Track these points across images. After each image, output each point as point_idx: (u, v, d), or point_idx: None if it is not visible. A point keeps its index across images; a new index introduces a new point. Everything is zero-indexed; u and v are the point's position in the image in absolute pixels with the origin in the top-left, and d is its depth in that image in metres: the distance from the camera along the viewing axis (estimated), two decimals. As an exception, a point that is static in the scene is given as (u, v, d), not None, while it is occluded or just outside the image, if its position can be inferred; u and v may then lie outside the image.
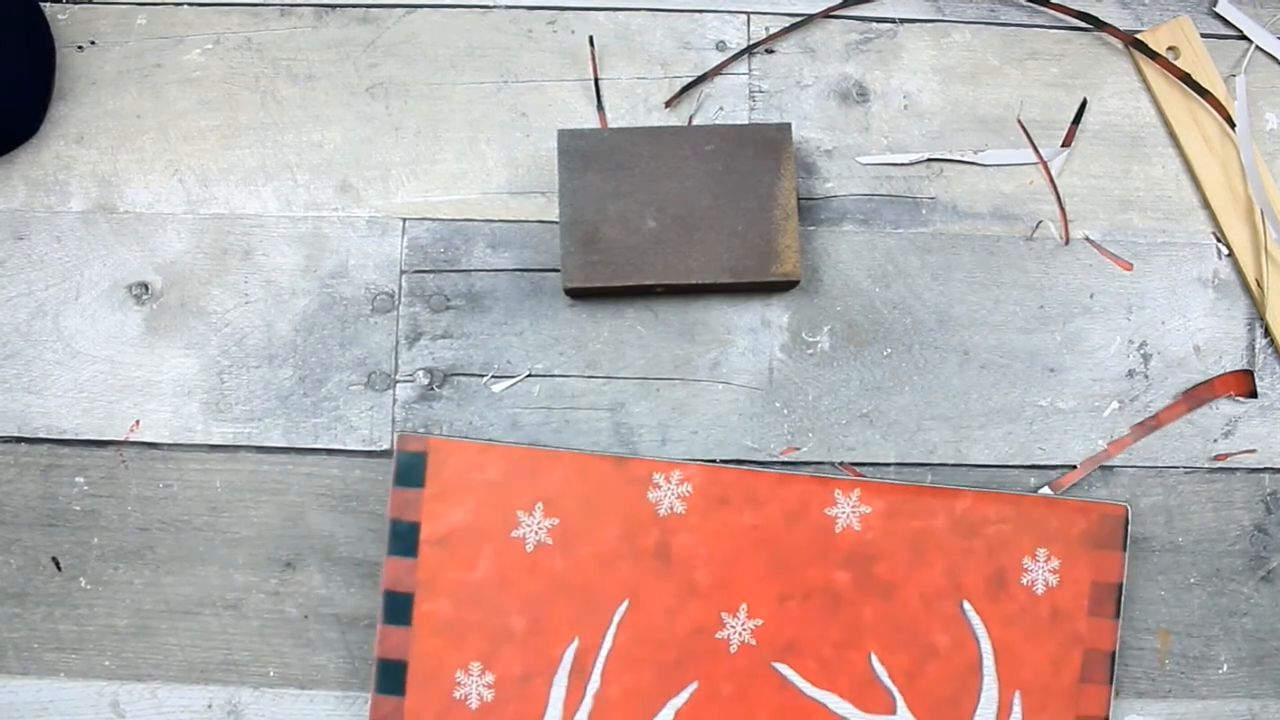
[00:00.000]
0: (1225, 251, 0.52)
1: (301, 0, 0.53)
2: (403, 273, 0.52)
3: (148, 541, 0.50)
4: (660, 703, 0.46)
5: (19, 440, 0.50)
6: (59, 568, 0.49)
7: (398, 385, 0.51)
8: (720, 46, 0.53)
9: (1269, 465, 0.51)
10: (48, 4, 0.53)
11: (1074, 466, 0.51)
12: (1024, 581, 0.48)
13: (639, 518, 0.47)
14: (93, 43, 0.53)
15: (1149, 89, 0.53)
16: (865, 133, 0.53)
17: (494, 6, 0.54)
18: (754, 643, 0.47)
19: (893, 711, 0.47)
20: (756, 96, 0.53)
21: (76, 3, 0.53)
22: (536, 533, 0.47)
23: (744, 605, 0.47)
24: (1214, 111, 0.52)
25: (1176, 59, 0.53)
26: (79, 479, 0.50)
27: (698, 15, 0.54)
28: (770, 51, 0.54)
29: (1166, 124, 0.53)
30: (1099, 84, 0.54)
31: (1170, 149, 0.53)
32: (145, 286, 0.51)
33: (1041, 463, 0.50)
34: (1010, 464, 0.51)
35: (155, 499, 0.50)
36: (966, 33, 0.54)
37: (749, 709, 0.47)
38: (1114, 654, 0.47)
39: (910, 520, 0.48)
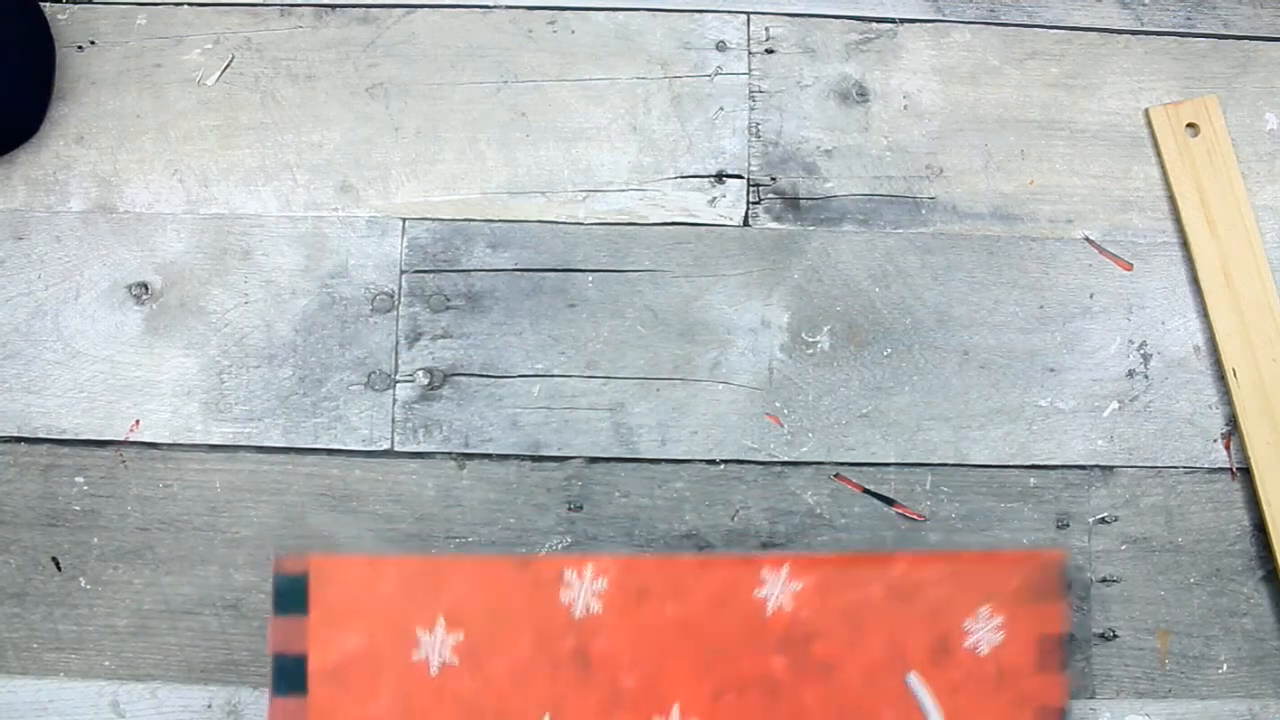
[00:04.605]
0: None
1: (301, 0, 0.53)
2: (403, 273, 0.52)
3: (148, 541, 0.50)
4: None
5: (19, 440, 0.50)
6: (59, 568, 0.49)
7: (398, 385, 0.51)
8: (720, 46, 0.53)
9: (1269, 465, 0.51)
10: (48, 4, 0.53)
11: (1077, 466, 0.51)
12: (967, 645, 0.45)
13: (552, 623, 0.42)
14: (93, 43, 0.53)
15: (1162, 166, 0.53)
16: (865, 133, 0.53)
17: (494, 6, 0.53)
18: None
19: None
20: (756, 96, 0.53)
21: (76, 3, 0.53)
22: (440, 653, 0.42)
23: (676, 706, 0.43)
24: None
25: (1195, 136, 0.52)
26: (79, 479, 0.50)
27: (698, 15, 0.54)
28: (770, 51, 0.54)
29: (1168, 188, 0.52)
30: (1099, 84, 0.54)
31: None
32: (145, 286, 0.51)
33: (1041, 462, 0.50)
34: (1010, 464, 0.50)
35: (155, 499, 0.50)
36: (966, 33, 0.54)
37: None
38: (1064, 710, 0.45)
39: (844, 592, 0.44)
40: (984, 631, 0.45)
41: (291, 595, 0.42)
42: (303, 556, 0.43)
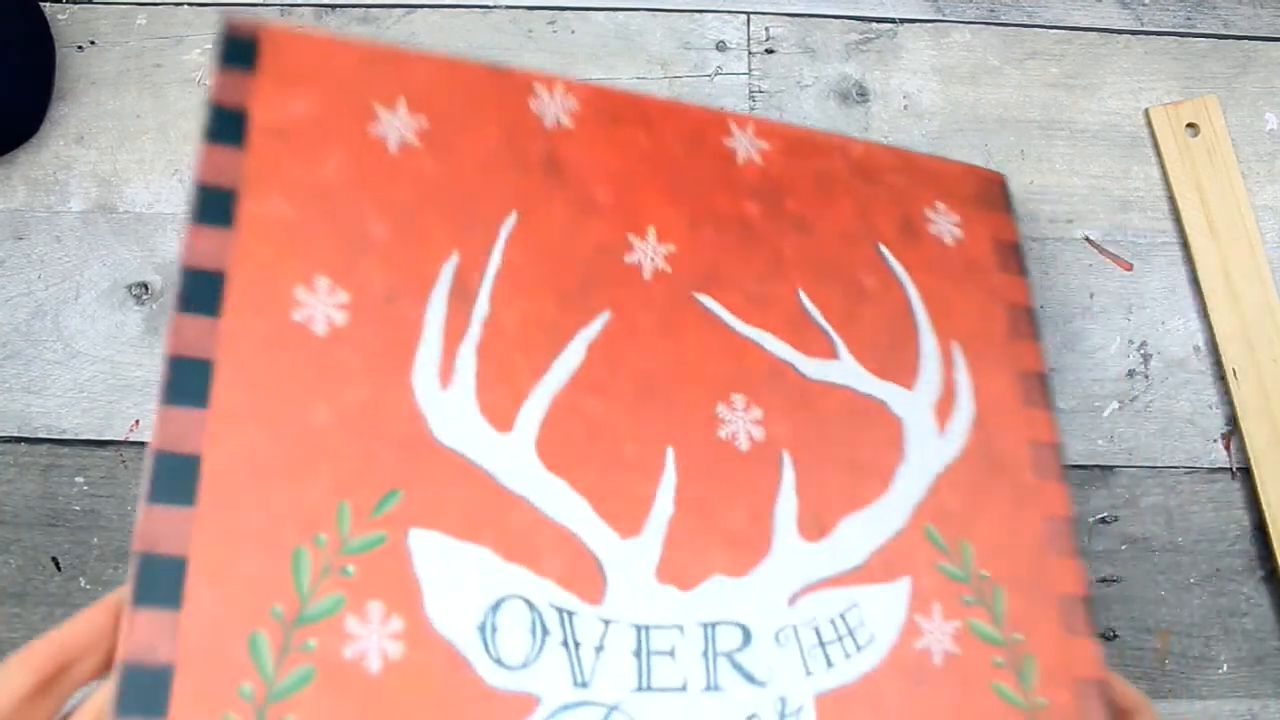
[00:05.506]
0: (1225, 251, 0.52)
1: (301, 0, 0.53)
2: (403, 273, 0.52)
3: (148, 541, 0.50)
4: (568, 333, 0.38)
5: (19, 440, 0.50)
6: (59, 568, 0.49)
7: (398, 385, 0.51)
8: (720, 46, 0.53)
9: (1269, 465, 0.51)
10: (48, 4, 0.53)
11: (1077, 466, 0.51)
12: (931, 231, 0.44)
13: (522, 126, 0.40)
14: (93, 43, 0.53)
15: (1162, 166, 0.53)
16: (865, 133, 0.53)
17: (494, 6, 0.54)
18: (669, 270, 0.40)
19: (834, 355, 0.41)
20: (756, 96, 0.53)
21: (76, 3, 0.53)
22: (400, 131, 0.38)
23: (651, 228, 0.40)
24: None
25: (1195, 136, 0.52)
26: (79, 479, 0.50)
27: (698, 15, 0.54)
28: (770, 51, 0.54)
29: (1168, 188, 0.53)
30: (1099, 84, 0.54)
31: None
32: (145, 286, 0.51)
33: (1041, 463, 0.50)
34: (1010, 464, 0.50)
35: (155, 499, 0.50)
36: (966, 33, 0.54)
37: (674, 345, 0.39)
38: (1031, 310, 0.44)
39: (810, 160, 0.44)
40: (944, 224, 0.45)
41: (238, 51, 0.37)
42: (254, 23, 0.38)
